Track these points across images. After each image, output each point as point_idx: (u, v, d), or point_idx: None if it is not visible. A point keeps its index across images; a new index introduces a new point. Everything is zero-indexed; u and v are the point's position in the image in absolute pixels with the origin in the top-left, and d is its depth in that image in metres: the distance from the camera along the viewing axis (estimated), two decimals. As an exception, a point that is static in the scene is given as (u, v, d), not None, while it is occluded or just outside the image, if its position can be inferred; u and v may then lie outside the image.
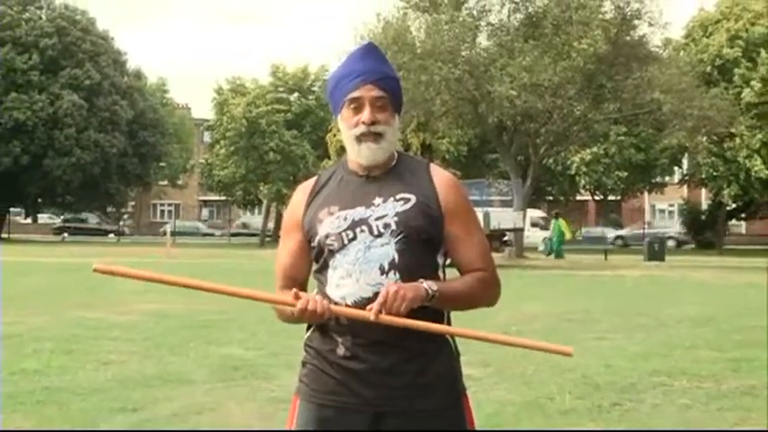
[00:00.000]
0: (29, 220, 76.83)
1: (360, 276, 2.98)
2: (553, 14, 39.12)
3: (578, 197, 71.42)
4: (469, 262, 3.09)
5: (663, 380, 9.48)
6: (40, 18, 60.56)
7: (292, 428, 3.08)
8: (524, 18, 40.83)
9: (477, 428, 3.16)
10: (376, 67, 3.11)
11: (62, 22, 59.81)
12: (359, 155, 3.08)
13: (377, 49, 3.21)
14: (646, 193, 71.66)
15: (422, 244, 3.01)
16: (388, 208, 3.02)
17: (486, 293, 3.12)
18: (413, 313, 2.91)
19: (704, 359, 11.00)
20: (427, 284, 2.92)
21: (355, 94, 3.06)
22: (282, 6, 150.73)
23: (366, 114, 3.04)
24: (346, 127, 3.10)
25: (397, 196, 3.04)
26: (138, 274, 3.11)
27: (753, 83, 49.77)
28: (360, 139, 3.05)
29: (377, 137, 3.05)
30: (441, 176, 3.13)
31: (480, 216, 34.00)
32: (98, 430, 6.03)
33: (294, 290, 2.96)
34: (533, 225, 59.45)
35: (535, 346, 3.45)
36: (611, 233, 65.52)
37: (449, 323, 3.10)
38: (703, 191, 63.36)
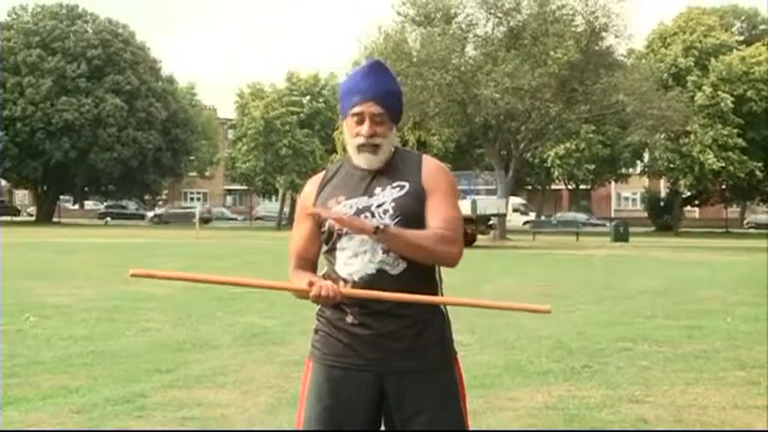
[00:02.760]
0: (77, 207, 76.88)
1: (364, 256, 2.98)
2: (532, 27, 39.11)
3: (553, 186, 71.51)
4: (432, 225, 3.00)
5: (626, 345, 9.48)
6: (87, 31, 60.53)
7: (306, 386, 3.10)
8: (507, 31, 40.78)
9: (466, 388, 3.15)
10: (377, 86, 3.08)
11: (106, 35, 59.85)
12: (358, 162, 3.09)
13: (381, 66, 3.18)
14: (612, 183, 71.73)
15: (416, 224, 2.99)
16: (387, 195, 3.02)
17: (439, 247, 2.97)
18: (411, 286, 2.94)
19: (662, 326, 11.01)
20: (378, 222, 2.94)
21: (357, 109, 3.05)
22: (297, 21, 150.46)
23: (366, 129, 3.04)
24: (349, 135, 3.10)
25: (394, 184, 3.04)
26: (173, 276, 3.11)
27: (704, 87, 49.77)
28: (360, 149, 3.06)
29: (374, 148, 3.05)
30: (429, 164, 3.13)
31: (469, 203, 34.03)
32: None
33: (308, 279, 2.96)
34: (515, 211, 59.62)
35: (518, 307, 3.45)
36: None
37: (442, 295, 3.10)
38: (662, 181, 63.36)
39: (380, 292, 2.93)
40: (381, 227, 2.89)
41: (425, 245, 2.95)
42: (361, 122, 3.06)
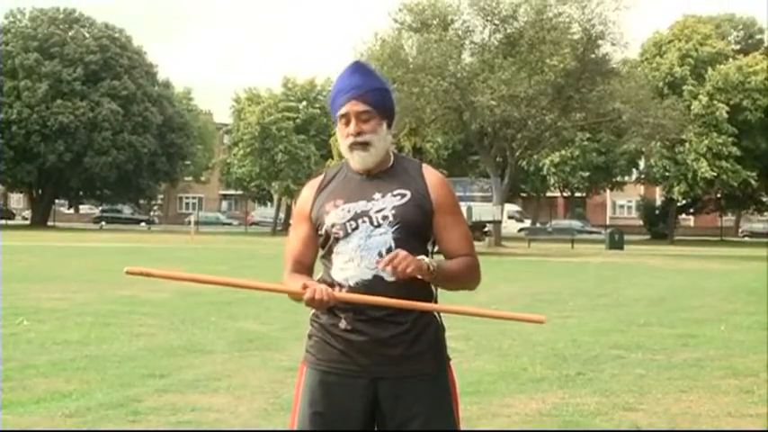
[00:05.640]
0: (71, 211, 76.78)
1: (361, 261, 2.99)
2: (528, 35, 39.15)
3: (549, 194, 71.61)
4: (455, 248, 3.09)
5: (621, 352, 9.49)
6: (85, 37, 60.56)
7: (300, 391, 3.10)
8: (503, 38, 40.82)
9: (461, 394, 3.16)
10: (360, 83, 3.09)
11: (104, 41, 59.89)
12: (353, 162, 3.10)
13: (363, 66, 3.21)
14: (608, 191, 71.80)
15: (415, 233, 3.02)
16: (387, 202, 3.03)
17: (472, 276, 3.12)
18: (407, 293, 2.94)
19: (657, 334, 11.02)
20: (428, 260, 2.95)
21: (343, 110, 3.08)
22: (294, 26, 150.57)
23: (352, 126, 3.06)
24: (341, 138, 3.12)
25: (395, 192, 3.05)
26: (169, 275, 3.11)
27: (700, 96, 49.84)
28: (351, 148, 3.07)
29: (364, 145, 3.05)
30: (432, 175, 3.13)
31: (464, 210, 33.93)
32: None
33: (302, 281, 2.98)
34: (510, 218, 59.64)
35: (511, 317, 3.45)
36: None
37: (436, 302, 3.10)
38: (657, 189, 63.41)
39: (374, 297, 2.93)
40: (434, 267, 2.94)
41: (464, 276, 3.09)
42: (348, 123, 3.08)
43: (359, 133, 3.05)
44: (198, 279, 3.14)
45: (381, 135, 3.09)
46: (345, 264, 3.02)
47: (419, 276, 2.91)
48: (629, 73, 44.46)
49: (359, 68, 3.17)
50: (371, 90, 3.11)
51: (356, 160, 3.08)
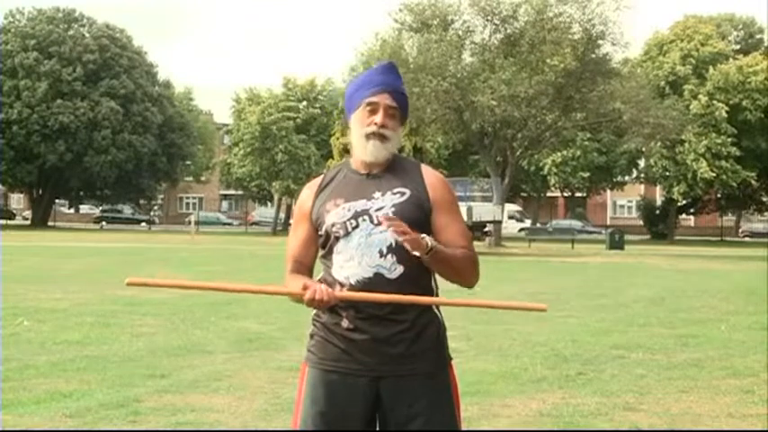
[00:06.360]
0: (72, 211, 76.75)
1: (361, 259, 3.00)
2: (529, 35, 39.12)
3: (549, 194, 71.56)
4: (453, 242, 3.06)
5: (621, 353, 9.49)
6: (84, 37, 60.51)
7: (302, 391, 3.11)
8: (504, 38, 40.78)
9: (461, 394, 3.16)
10: (394, 82, 3.16)
11: (104, 41, 59.85)
12: (365, 151, 3.10)
13: (396, 68, 3.26)
14: (608, 191, 71.74)
15: (414, 231, 3.01)
16: (386, 200, 3.04)
17: (469, 267, 3.09)
18: (408, 289, 2.96)
19: (657, 335, 11.01)
20: (429, 238, 2.94)
21: (373, 99, 3.10)
22: (294, 26, 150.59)
23: (379, 117, 3.08)
24: (359, 125, 3.12)
25: (394, 190, 3.06)
26: (169, 283, 3.11)
27: (700, 96, 49.85)
28: (369, 137, 3.08)
29: (383, 138, 3.08)
30: (430, 174, 3.15)
31: (464, 210, 34.04)
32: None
33: (303, 282, 2.98)
34: (510, 218, 59.65)
35: (514, 306, 3.47)
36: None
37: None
38: (658, 189, 63.41)
39: (375, 294, 2.94)
40: (434, 247, 2.93)
41: (461, 265, 3.06)
42: (374, 112, 3.09)
43: (384, 125, 3.08)
44: (200, 286, 3.15)
45: (398, 135, 3.15)
46: (346, 262, 3.03)
47: (416, 253, 2.90)
48: (629, 73, 44.47)
49: (394, 69, 3.23)
50: (402, 93, 3.18)
51: (370, 150, 3.09)
